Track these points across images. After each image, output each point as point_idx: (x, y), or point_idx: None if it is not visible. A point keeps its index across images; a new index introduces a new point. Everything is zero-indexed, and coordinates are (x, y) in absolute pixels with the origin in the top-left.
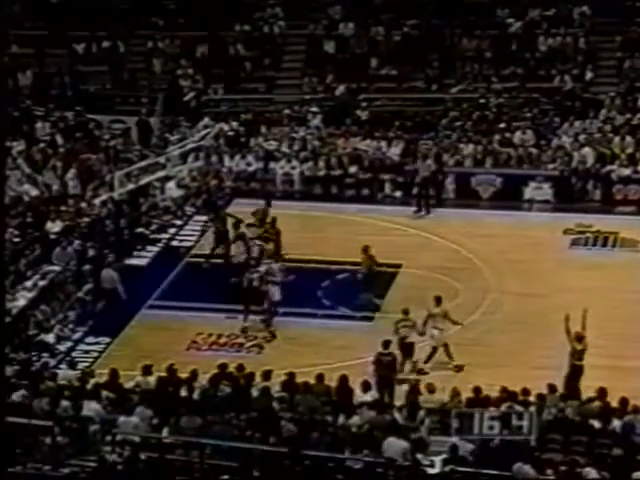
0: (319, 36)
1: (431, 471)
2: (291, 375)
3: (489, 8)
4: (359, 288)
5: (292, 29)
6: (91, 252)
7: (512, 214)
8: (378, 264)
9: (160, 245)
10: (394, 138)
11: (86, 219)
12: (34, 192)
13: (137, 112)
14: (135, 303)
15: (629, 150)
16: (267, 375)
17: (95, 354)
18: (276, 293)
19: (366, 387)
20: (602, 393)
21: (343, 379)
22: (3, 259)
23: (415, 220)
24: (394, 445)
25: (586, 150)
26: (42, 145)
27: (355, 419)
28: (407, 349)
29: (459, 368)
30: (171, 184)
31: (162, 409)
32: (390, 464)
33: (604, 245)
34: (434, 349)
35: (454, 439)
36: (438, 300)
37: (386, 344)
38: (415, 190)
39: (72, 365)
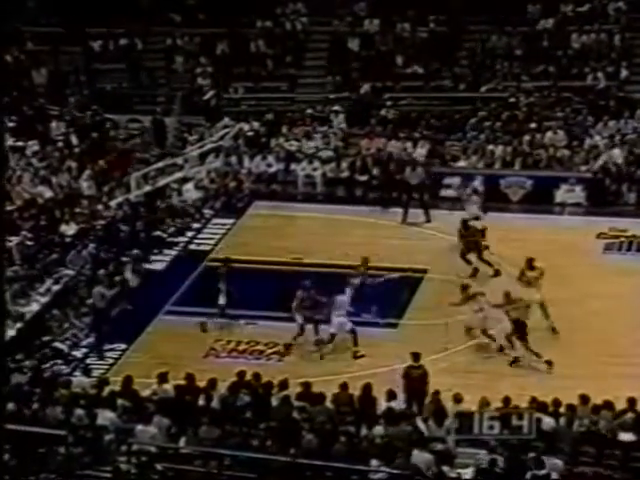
0: (343, 33)
1: None
2: (306, 385)
3: (519, 4)
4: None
5: (315, 25)
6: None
7: (543, 218)
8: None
9: (177, 249)
10: (420, 139)
11: (101, 222)
12: (48, 194)
13: (155, 111)
14: (152, 308)
15: None
16: (286, 384)
17: (111, 361)
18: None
19: (391, 396)
20: (632, 403)
21: (367, 388)
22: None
23: (442, 224)
24: (417, 457)
25: (615, 151)
26: (57, 145)
27: (378, 429)
28: None
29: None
30: (189, 186)
31: (180, 418)
32: (413, 476)
33: (639, 250)
34: None
35: (482, 452)
36: None
37: (416, 357)
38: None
39: (87, 372)
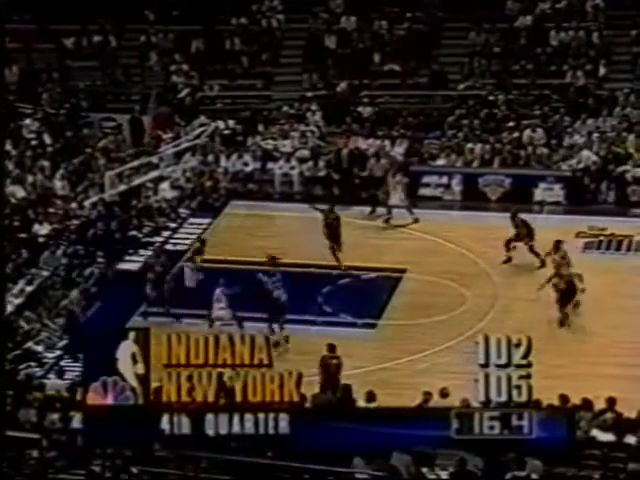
0: (320, 30)
1: None
2: None
3: (498, 1)
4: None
5: (291, 23)
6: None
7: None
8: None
9: (153, 249)
10: (398, 137)
11: (75, 221)
12: (21, 193)
13: (130, 109)
14: (127, 310)
15: None
16: None
17: None
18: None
19: (370, 398)
20: (612, 403)
21: (346, 389)
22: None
23: (420, 223)
24: (395, 458)
25: (585, 153)
26: (30, 144)
27: None
28: None
29: None
30: (165, 185)
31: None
32: (392, 477)
33: (618, 249)
34: None
35: (461, 452)
36: None
37: (331, 348)
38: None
39: (61, 374)
